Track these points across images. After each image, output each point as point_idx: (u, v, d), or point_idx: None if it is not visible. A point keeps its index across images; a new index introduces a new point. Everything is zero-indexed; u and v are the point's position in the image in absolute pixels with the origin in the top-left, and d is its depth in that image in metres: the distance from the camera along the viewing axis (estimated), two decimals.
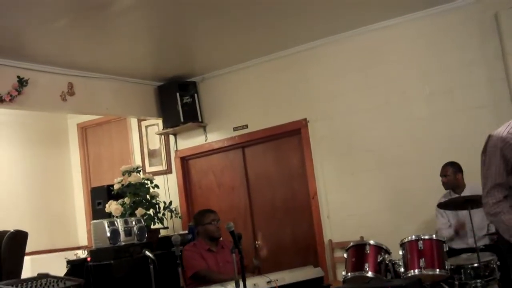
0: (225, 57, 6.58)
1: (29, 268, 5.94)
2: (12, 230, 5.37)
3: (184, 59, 6.53)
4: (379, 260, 4.49)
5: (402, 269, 4.39)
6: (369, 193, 5.99)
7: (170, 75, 6.92)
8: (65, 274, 5.10)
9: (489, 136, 2.77)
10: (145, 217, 6.15)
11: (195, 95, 7.03)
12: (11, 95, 5.52)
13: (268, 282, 4.16)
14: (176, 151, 7.32)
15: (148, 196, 6.46)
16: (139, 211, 6.19)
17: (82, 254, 6.18)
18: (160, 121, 7.23)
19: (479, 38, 5.51)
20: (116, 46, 5.74)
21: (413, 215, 5.70)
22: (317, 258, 6.21)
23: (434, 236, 4.49)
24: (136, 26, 5.32)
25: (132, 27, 5.31)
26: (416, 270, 4.30)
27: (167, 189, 7.20)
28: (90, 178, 8.00)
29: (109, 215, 6.24)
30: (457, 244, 5.11)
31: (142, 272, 4.69)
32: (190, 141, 7.22)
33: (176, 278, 3.97)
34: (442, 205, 4.88)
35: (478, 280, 4.34)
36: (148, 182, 6.54)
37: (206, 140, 7.11)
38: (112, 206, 6.29)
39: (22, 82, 5.60)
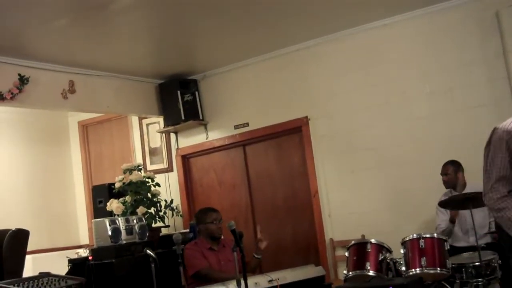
0: (226, 55, 6.58)
1: (31, 267, 5.95)
2: (13, 229, 5.37)
3: (184, 57, 6.52)
4: (380, 259, 4.49)
5: (403, 268, 4.38)
6: (370, 191, 5.99)
7: (171, 73, 6.91)
8: (67, 273, 5.09)
9: (494, 129, 2.73)
10: (146, 216, 6.15)
11: (196, 93, 7.02)
12: (12, 93, 5.52)
13: (270, 281, 4.15)
14: (177, 149, 7.31)
15: (149, 195, 6.48)
16: (140, 210, 6.20)
17: (83, 252, 6.15)
18: (161, 119, 7.22)
19: (479, 36, 5.50)
20: (116, 45, 5.74)
21: (413, 214, 5.70)
22: (318, 257, 6.21)
23: (435, 234, 4.48)
24: (136, 25, 5.32)
25: (132, 26, 5.31)
26: (418, 269, 4.29)
27: (168, 187, 7.20)
28: (91, 176, 7.99)
29: (110, 214, 6.24)
30: (459, 243, 5.11)
31: (143, 271, 4.67)
32: (191, 139, 7.21)
33: (177, 277, 3.95)
34: (443, 204, 4.84)
35: (480, 279, 4.32)
36: (149, 180, 6.55)
37: (207, 138, 7.11)
38: (113, 205, 6.29)
39: (23, 80, 5.60)
